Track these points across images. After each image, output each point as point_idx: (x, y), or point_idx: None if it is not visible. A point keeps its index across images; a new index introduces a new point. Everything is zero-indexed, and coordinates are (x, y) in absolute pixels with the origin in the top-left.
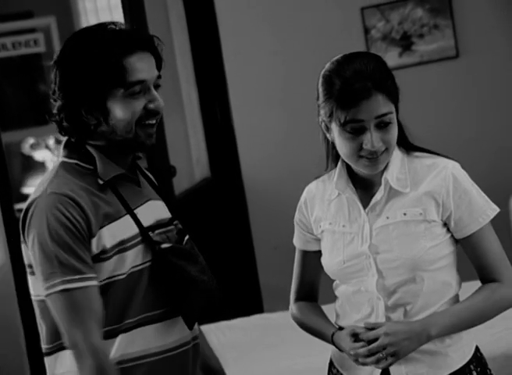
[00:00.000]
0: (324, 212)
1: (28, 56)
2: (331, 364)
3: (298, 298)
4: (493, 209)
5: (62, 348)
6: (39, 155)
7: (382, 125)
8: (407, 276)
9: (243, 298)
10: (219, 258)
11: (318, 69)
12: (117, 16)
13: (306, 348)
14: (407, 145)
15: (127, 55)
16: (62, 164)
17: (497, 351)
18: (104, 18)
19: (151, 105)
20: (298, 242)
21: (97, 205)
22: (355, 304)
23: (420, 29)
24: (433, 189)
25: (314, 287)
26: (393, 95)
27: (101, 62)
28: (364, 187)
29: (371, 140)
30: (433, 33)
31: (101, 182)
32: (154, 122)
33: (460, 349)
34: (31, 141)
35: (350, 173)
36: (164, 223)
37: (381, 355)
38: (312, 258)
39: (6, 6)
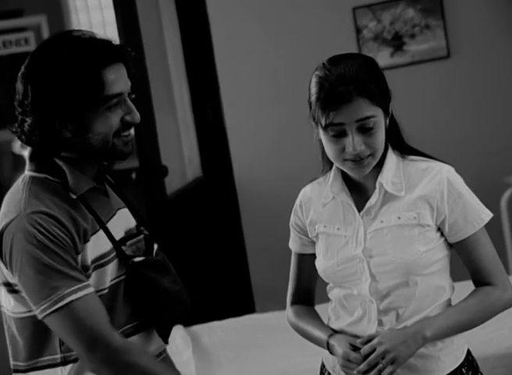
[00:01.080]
0: (319, 215)
1: (19, 55)
2: (323, 366)
3: (294, 302)
4: (487, 214)
5: (37, 367)
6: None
7: (365, 129)
8: (400, 280)
9: (235, 299)
10: (211, 258)
11: (309, 68)
12: (108, 14)
13: (298, 348)
14: (402, 148)
15: (103, 67)
16: (32, 179)
17: (489, 352)
18: (96, 17)
19: (128, 118)
20: (294, 245)
21: (76, 221)
22: (348, 307)
23: (411, 29)
24: (427, 193)
25: (310, 290)
26: (378, 99)
27: (78, 76)
28: (359, 191)
29: (352, 143)
30: (424, 34)
31: (74, 196)
32: (129, 132)
33: (451, 353)
34: None
35: (345, 176)
36: (133, 233)
37: (381, 365)
38: (308, 262)
39: None
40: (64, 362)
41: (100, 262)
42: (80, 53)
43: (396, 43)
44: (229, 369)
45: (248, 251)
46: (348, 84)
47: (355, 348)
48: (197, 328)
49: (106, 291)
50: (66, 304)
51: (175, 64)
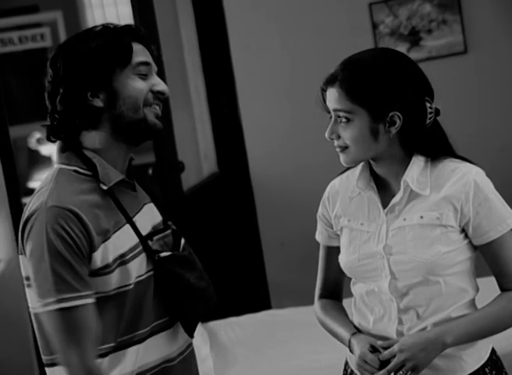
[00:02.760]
0: (344, 209)
1: (35, 51)
2: (346, 364)
3: (322, 296)
4: None
5: (55, 363)
6: (45, 149)
7: (340, 120)
8: (420, 279)
9: (251, 294)
10: (227, 254)
11: (325, 63)
12: (123, 11)
13: (315, 345)
14: (431, 154)
15: (132, 40)
16: (60, 171)
17: (509, 348)
18: (111, 12)
19: (157, 87)
20: (321, 238)
21: (98, 217)
22: (369, 304)
23: (428, 24)
24: (452, 194)
25: (338, 284)
26: (361, 99)
27: (108, 41)
28: (386, 188)
29: (328, 129)
30: (441, 29)
31: (104, 188)
32: (160, 104)
33: (474, 353)
34: (38, 135)
35: (374, 171)
36: (160, 228)
37: (401, 373)
38: (335, 255)
39: (13, 1)
40: None
41: (125, 258)
42: (109, 30)
43: (413, 38)
44: (246, 365)
45: (264, 246)
46: (338, 70)
47: (374, 350)
48: (214, 324)
49: (131, 286)
50: (51, 310)
51: (191, 59)
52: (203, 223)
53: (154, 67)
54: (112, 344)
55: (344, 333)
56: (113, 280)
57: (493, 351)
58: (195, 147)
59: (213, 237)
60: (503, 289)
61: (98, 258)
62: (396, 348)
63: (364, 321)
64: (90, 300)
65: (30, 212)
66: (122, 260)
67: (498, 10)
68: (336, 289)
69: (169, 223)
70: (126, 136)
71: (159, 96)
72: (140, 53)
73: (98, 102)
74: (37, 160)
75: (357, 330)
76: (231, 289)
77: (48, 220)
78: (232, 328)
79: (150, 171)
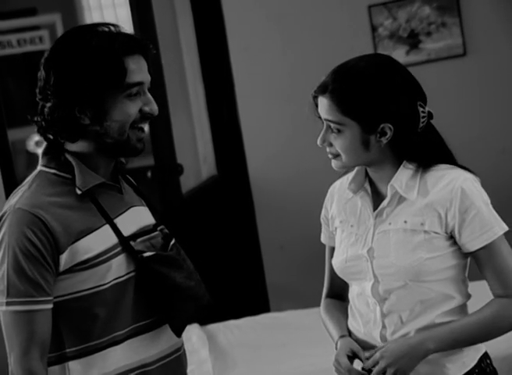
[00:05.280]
0: (339, 210)
1: (33, 53)
2: None
3: (327, 295)
4: (502, 228)
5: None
6: None
7: (331, 130)
8: (401, 284)
9: (250, 297)
10: (226, 257)
11: (325, 66)
12: (121, 13)
13: (314, 348)
14: (423, 161)
15: (126, 55)
16: (39, 173)
17: (507, 352)
18: (109, 15)
19: (147, 108)
20: (324, 238)
21: (70, 219)
22: (358, 307)
23: (427, 27)
24: (437, 200)
25: (342, 284)
26: (351, 111)
27: (102, 61)
28: (379, 191)
29: (320, 136)
30: (441, 31)
31: (78, 192)
32: (145, 126)
33: (458, 360)
34: (36, 138)
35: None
36: (147, 230)
37: None
38: None
39: (11, 4)
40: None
41: (100, 259)
42: (104, 40)
43: (412, 41)
44: (245, 367)
45: (263, 249)
46: (328, 80)
47: (354, 355)
48: (213, 327)
49: (105, 287)
50: (7, 310)
51: (190, 62)
52: (202, 226)
53: (147, 83)
54: (83, 346)
55: (335, 334)
56: (84, 281)
57: (483, 358)
58: (194, 149)
59: (212, 240)
60: (494, 296)
61: (66, 259)
62: (377, 354)
63: (355, 323)
64: (42, 306)
65: (1, 213)
66: (101, 259)
67: (497, 13)
68: (340, 289)
69: (161, 227)
70: (107, 152)
71: (147, 116)
72: (134, 72)
73: (85, 119)
74: (36, 163)
75: (349, 333)
76: (230, 292)
77: (11, 223)
78: (231, 331)
79: (149, 174)
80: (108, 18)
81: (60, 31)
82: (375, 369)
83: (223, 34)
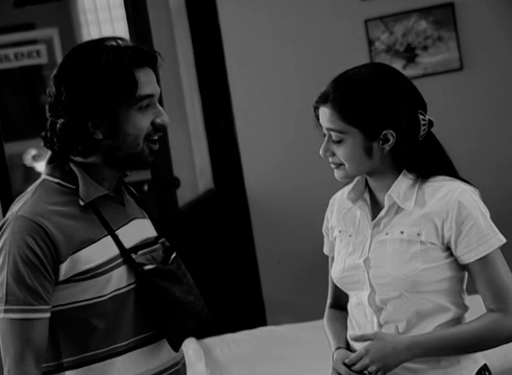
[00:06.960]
0: (339, 220)
1: (30, 67)
2: None
3: (331, 305)
4: (499, 240)
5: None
6: (41, 166)
7: (333, 139)
8: (397, 294)
9: (246, 311)
10: (222, 270)
11: (321, 80)
12: (119, 28)
13: (311, 361)
14: (422, 172)
15: (137, 67)
16: (43, 182)
17: (507, 366)
18: (107, 30)
19: (158, 120)
20: (326, 249)
21: (71, 228)
22: (356, 317)
23: (424, 41)
24: (434, 211)
25: (345, 294)
26: (353, 119)
27: (113, 74)
28: (378, 201)
29: (322, 146)
30: (437, 46)
31: (81, 203)
32: (157, 137)
33: (456, 372)
34: (33, 152)
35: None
36: (149, 242)
37: (366, 373)
38: None
39: (9, 18)
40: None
41: (101, 270)
42: (113, 53)
43: (409, 55)
44: None
45: (260, 263)
46: (328, 89)
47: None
48: (210, 341)
49: (104, 298)
50: (4, 318)
51: (187, 75)
52: (199, 240)
53: (157, 95)
54: (80, 356)
55: (332, 345)
56: (84, 291)
57: (482, 371)
58: (191, 163)
59: (209, 254)
60: (487, 309)
61: (67, 268)
62: (363, 350)
63: (354, 334)
64: (41, 314)
65: (3, 220)
66: (101, 270)
67: (493, 27)
68: (343, 299)
69: (163, 240)
70: (116, 165)
71: (160, 127)
72: (145, 84)
73: (98, 134)
74: (33, 177)
75: (347, 344)
76: (227, 305)
77: (13, 230)
78: (227, 345)
79: (145, 187)
80: (106, 33)
81: (58, 45)
82: (359, 363)
83: (220, 47)
